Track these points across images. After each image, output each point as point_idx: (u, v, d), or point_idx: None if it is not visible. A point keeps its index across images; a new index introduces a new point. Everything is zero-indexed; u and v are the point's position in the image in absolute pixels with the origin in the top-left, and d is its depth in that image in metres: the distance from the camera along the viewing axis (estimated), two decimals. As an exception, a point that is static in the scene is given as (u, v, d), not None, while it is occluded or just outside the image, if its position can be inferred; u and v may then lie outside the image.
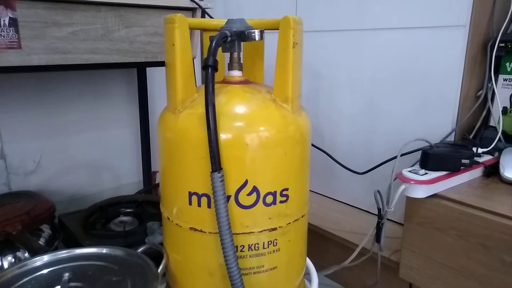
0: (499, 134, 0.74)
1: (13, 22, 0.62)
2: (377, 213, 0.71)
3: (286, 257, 0.58)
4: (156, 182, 1.14)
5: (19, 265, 0.55)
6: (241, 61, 0.59)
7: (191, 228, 0.55)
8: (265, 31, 0.55)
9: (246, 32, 0.54)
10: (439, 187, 0.66)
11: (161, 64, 0.82)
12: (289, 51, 0.53)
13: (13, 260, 0.68)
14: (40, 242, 0.74)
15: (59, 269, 0.55)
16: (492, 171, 0.73)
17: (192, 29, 0.65)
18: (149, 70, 1.07)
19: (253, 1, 1.09)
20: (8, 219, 0.69)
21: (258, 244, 0.55)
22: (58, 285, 0.51)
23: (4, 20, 0.61)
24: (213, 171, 0.49)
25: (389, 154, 0.78)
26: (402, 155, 0.70)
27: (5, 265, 0.68)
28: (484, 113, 0.79)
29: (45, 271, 0.55)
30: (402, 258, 0.70)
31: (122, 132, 1.09)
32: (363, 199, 0.94)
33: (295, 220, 0.57)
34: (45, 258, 0.57)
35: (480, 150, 0.71)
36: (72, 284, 0.52)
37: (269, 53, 0.63)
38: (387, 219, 0.73)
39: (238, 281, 0.51)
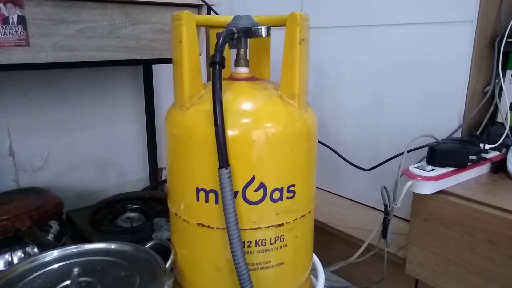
0: (507, 130, 0.73)
1: (22, 20, 0.63)
2: (383, 209, 0.71)
3: (292, 253, 0.58)
4: (163, 179, 1.15)
5: (30, 260, 0.56)
6: (248, 58, 0.60)
7: (198, 224, 0.55)
8: (271, 27, 0.55)
9: (253, 29, 0.54)
10: (446, 183, 0.65)
11: (167, 61, 0.83)
12: (296, 47, 0.53)
13: (22, 255, 0.69)
14: (49, 238, 0.75)
15: (69, 264, 0.56)
16: (500, 167, 0.72)
17: (199, 26, 0.65)
18: (155, 67, 1.07)
19: (258, -2, 1.08)
20: (17, 215, 0.70)
21: (265, 239, 0.55)
22: (68, 279, 0.52)
23: (12, 18, 0.62)
24: (220, 167, 0.49)
25: (395, 150, 0.78)
26: (409, 151, 0.70)
27: (15, 260, 0.69)
28: (492, 109, 0.78)
29: (55, 266, 0.55)
30: (409, 254, 0.70)
31: (128, 129, 1.10)
32: (369, 196, 0.94)
33: (302, 216, 0.58)
34: (55, 253, 0.57)
35: (487, 146, 0.71)
36: (81, 279, 0.52)
37: (276, 50, 0.63)
38: (394, 215, 0.73)
39: (246, 276, 0.51)
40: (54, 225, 0.77)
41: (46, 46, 0.66)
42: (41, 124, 0.95)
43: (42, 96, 0.94)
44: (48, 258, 0.57)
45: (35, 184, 0.94)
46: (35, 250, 0.70)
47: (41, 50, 0.66)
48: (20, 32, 0.63)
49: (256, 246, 0.55)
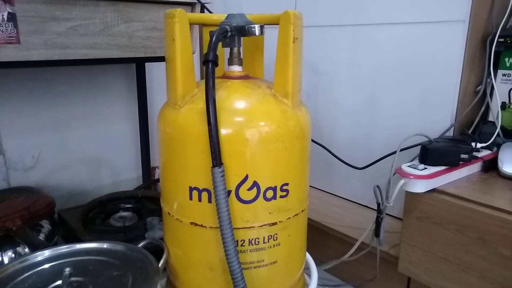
0: (498, 129, 0.74)
1: (12, 17, 0.62)
2: (376, 208, 0.72)
3: (286, 251, 0.58)
4: (155, 178, 1.14)
5: (21, 260, 0.55)
6: (241, 56, 0.59)
7: (191, 223, 0.55)
8: (265, 26, 0.55)
9: (246, 27, 0.54)
10: (438, 182, 0.66)
11: (160, 59, 0.82)
12: (289, 46, 0.52)
13: (13, 255, 0.69)
14: (40, 238, 0.74)
15: (60, 264, 0.55)
16: (491, 166, 0.73)
17: (192, 24, 0.65)
18: (148, 65, 1.07)
19: (252, -4, 1.08)
20: (8, 215, 0.69)
21: (258, 238, 0.55)
22: (59, 280, 0.52)
23: (2, 15, 0.61)
24: (213, 166, 0.49)
25: (388, 148, 0.79)
26: (401, 150, 0.71)
27: (5, 260, 0.68)
28: (483, 108, 0.79)
29: (46, 266, 0.55)
30: (401, 252, 0.71)
31: (121, 128, 1.09)
32: (362, 194, 0.94)
33: (295, 215, 0.58)
34: (46, 253, 0.57)
35: (479, 145, 0.72)
36: (73, 279, 0.52)
37: (269, 48, 0.63)
38: (386, 213, 0.73)
39: (239, 275, 0.51)
40: (46, 225, 0.76)
41: (37, 44, 0.65)
42: (32, 123, 0.94)
43: (33, 94, 0.93)
44: (39, 258, 0.56)
45: (26, 183, 0.93)
46: (26, 250, 0.69)
47: (32, 47, 0.65)
48: (10, 30, 0.62)
49: (249, 245, 0.55)
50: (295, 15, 0.52)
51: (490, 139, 0.73)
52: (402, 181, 0.65)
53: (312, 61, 0.97)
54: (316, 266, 0.70)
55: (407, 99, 0.81)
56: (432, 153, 0.66)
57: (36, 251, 0.57)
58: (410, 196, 0.67)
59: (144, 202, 0.91)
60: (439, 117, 0.77)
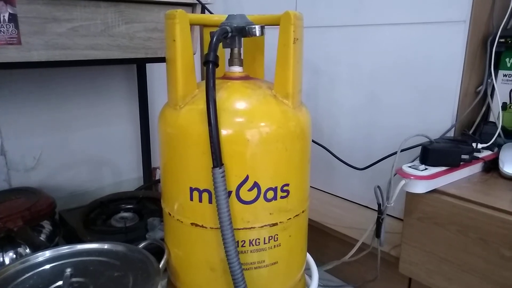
0: (499, 129, 0.74)
1: (13, 18, 0.62)
2: (377, 209, 0.71)
3: (286, 252, 0.58)
4: (156, 179, 1.14)
5: (22, 261, 0.55)
6: (242, 57, 0.59)
7: (192, 224, 0.55)
8: (265, 26, 0.55)
9: (246, 28, 0.54)
10: (439, 183, 0.66)
11: (161, 60, 0.82)
12: (290, 46, 0.53)
13: (14, 256, 0.69)
14: (41, 238, 0.74)
15: (61, 264, 0.55)
16: (492, 166, 0.73)
17: (192, 24, 0.65)
18: (148, 66, 1.07)
19: (252, -3, 1.08)
20: (9, 215, 0.69)
21: (259, 239, 0.55)
22: (60, 280, 0.52)
23: (3, 16, 0.61)
24: (214, 166, 0.49)
25: (388, 149, 0.79)
26: (402, 150, 0.71)
27: (7, 261, 0.68)
28: (484, 108, 0.79)
29: (47, 266, 0.55)
30: (402, 253, 0.71)
31: (122, 128, 1.09)
32: (363, 195, 0.94)
33: (296, 216, 0.58)
34: (47, 253, 0.57)
35: (479, 146, 0.72)
36: (74, 279, 0.52)
37: (270, 49, 0.63)
38: (387, 214, 0.73)
39: (239, 276, 0.51)
40: (47, 225, 0.77)
41: (38, 45, 0.66)
42: (33, 123, 0.94)
43: (35, 95, 0.93)
44: (40, 259, 0.56)
45: (27, 184, 0.93)
46: (27, 250, 0.69)
47: (33, 48, 0.65)
48: (12, 30, 0.62)
49: (250, 245, 0.55)
50: (295, 16, 0.52)
51: (491, 140, 0.73)
52: (402, 182, 0.65)
53: (312, 61, 0.97)
54: (317, 266, 0.70)
55: (408, 99, 0.81)
56: (432, 154, 0.66)
57: (37, 251, 0.57)
58: (411, 197, 0.67)
59: (145, 202, 0.91)
60: (440, 117, 0.77)
